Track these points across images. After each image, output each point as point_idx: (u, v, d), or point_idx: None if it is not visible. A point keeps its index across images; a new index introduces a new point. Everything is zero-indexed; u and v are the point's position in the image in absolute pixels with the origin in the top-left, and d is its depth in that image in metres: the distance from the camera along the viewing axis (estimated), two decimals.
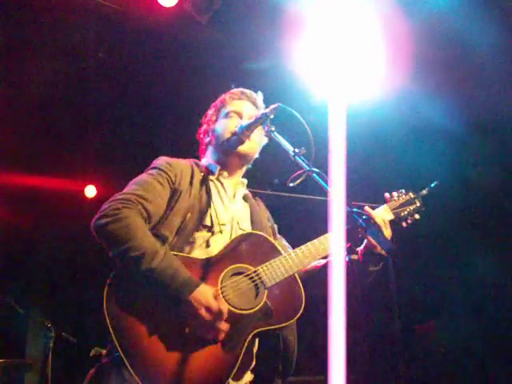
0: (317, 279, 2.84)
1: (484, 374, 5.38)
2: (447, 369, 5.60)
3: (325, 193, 2.34)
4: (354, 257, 2.75)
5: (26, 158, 6.62)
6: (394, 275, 2.05)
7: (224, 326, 2.45)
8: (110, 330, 2.40)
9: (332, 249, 2.73)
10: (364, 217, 2.20)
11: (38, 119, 6.30)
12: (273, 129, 2.70)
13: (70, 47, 5.51)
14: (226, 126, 2.94)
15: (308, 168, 2.47)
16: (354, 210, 2.24)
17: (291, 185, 2.51)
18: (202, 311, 2.41)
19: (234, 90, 3.08)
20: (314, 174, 2.44)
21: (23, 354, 5.91)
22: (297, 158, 2.54)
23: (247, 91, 3.07)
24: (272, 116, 2.72)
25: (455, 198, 5.64)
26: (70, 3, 5.10)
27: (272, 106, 2.73)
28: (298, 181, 2.50)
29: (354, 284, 2.13)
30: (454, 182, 5.45)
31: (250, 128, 2.83)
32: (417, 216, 2.99)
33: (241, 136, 2.86)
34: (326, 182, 2.38)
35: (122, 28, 5.41)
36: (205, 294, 2.44)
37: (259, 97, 3.08)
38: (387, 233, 2.75)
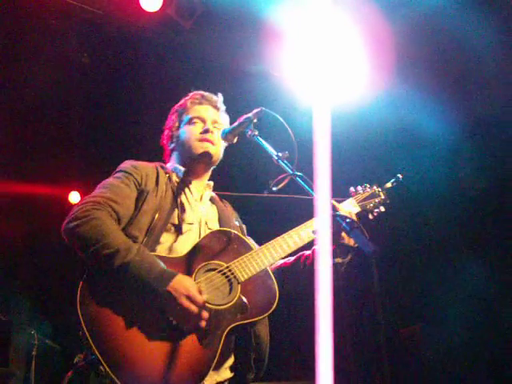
0: (294, 277, 2.90)
1: (471, 380, 5.40)
2: (433, 373, 5.61)
3: (301, 192, 2.34)
4: (338, 260, 2.76)
5: (9, 165, 6.56)
6: (378, 278, 2.05)
7: (205, 313, 2.46)
8: (85, 331, 2.38)
9: (309, 239, 2.80)
10: (347, 220, 2.20)
11: (22, 125, 6.25)
12: (256, 133, 2.69)
13: (53, 52, 5.49)
14: (190, 133, 2.97)
15: (291, 172, 2.47)
16: (337, 213, 2.24)
17: (274, 189, 2.51)
18: (183, 299, 2.43)
19: (195, 94, 3.10)
20: (298, 178, 2.44)
21: (6, 362, 5.85)
22: (280, 161, 2.53)
23: (207, 94, 3.10)
24: (255, 120, 2.72)
25: (445, 203, 5.66)
26: (53, 9, 5.08)
27: (255, 110, 2.73)
28: (281, 185, 2.50)
29: (339, 287, 2.11)
30: (443, 185, 5.48)
31: (232, 132, 2.82)
32: (382, 208, 3.07)
33: (209, 140, 2.92)
34: (310, 186, 2.38)
35: (105, 33, 5.40)
36: (183, 282, 2.46)
37: (220, 99, 3.11)
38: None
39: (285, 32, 5.03)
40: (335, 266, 2.74)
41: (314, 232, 2.80)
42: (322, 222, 2.07)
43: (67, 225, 2.52)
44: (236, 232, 2.80)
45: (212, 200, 3.02)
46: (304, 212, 2.66)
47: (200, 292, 2.49)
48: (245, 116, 2.77)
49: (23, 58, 5.51)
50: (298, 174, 2.45)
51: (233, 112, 3.15)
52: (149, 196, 2.72)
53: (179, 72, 5.63)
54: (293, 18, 4.90)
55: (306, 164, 2.46)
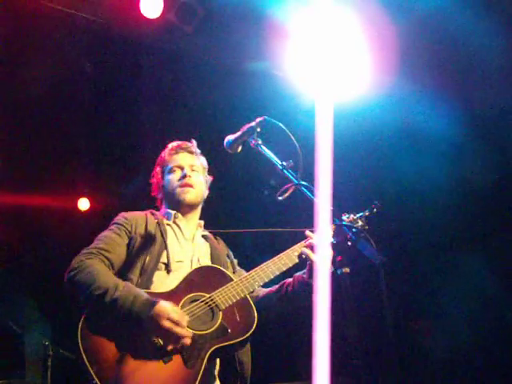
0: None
1: (476, 375, 5.39)
2: (441, 368, 5.62)
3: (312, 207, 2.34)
4: (346, 270, 2.76)
5: (16, 173, 6.58)
6: (386, 288, 2.05)
7: (186, 332, 2.71)
8: (85, 361, 2.66)
9: (285, 267, 3.03)
10: (353, 229, 2.19)
11: (27, 133, 6.26)
12: (259, 142, 2.71)
13: (57, 61, 5.49)
14: (171, 181, 3.26)
15: (296, 182, 2.47)
16: (344, 223, 2.24)
17: (280, 198, 2.52)
18: (164, 321, 2.68)
19: (171, 146, 3.38)
20: (303, 188, 2.44)
21: (23, 372, 5.88)
22: (284, 171, 2.54)
23: (181, 143, 3.39)
24: (259, 129, 2.74)
25: (448, 200, 5.64)
26: (56, 18, 5.08)
27: (258, 119, 2.74)
28: (286, 194, 2.51)
29: (346, 297, 2.12)
30: (447, 184, 5.46)
31: (236, 141, 2.84)
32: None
33: (193, 182, 3.20)
34: (315, 196, 2.38)
35: (107, 41, 5.41)
36: (164, 307, 2.72)
37: (194, 144, 3.39)
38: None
39: (288, 30, 5.02)
40: (342, 275, 2.76)
41: (298, 256, 3.00)
42: (323, 228, 2.08)
43: (67, 275, 2.86)
44: (218, 266, 3.07)
45: (205, 238, 3.28)
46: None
47: (180, 314, 2.75)
48: (248, 125, 2.78)
49: (27, 68, 5.51)
50: (303, 183, 2.45)
51: (236, 113, 3.19)
52: (139, 241, 3.02)
53: (183, 77, 5.63)
54: (296, 17, 4.88)
55: (308, 166, 2.47)
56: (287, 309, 3.16)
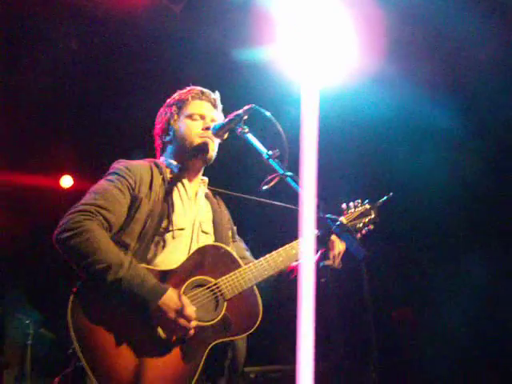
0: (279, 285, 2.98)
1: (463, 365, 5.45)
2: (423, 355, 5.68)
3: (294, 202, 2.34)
4: (329, 262, 2.79)
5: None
6: (368, 282, 2.07)
7: (192, 326, 2.52)
8: (75, 341, 2.43)
9: (297, 258, 2.84)
10: (337, 222, 2.20)
11: (11, 110, 6.18)
12: (246, 130, 2.66)
13: (42, 39, 5.42)
14: (190, 129, 2.95)
15: (281, 171, 2.45)
16: (328, 215, 2.23)
17: (264, 188, 2.50)
18: (172, 314, 2.49)
19: (194, 89, 3.06)
20: (288, 178, 2.42)
21: (2, 351, 5.87)
22: (270, 160, 2.51)
23: (206, 91, 3.07)
24: (246, 117, 2.70)
25: (441, 194, 5.66)
26: None
27: (245, 107, 2.70)
28: (271, 184, 2.48)
29: (329, 290, 2.13)
30: (436, 176, 5.47)
31: (223, 128, 2.81)
32: (371, 227, 3.09)
33: (212, 138, 2.89)
34: (300, 186, 2.37)
35: (95, 19, 5.32)
36: (174, 298, 2.52)
37: (217, 96, 3.09)
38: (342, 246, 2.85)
39: (275, 16, 4.97)
40: (325, 268, 2.77)
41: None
42: (307, 222, 2.08)
43: (59, 235, 2.54)
44: (226, 248, 2.82)
45: (206, 197, 3.02)
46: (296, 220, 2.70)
47: (190, 307, 2.55)
48: (235, 113, 2.74)
49: (13, 44, 5.43)
50: (289, 173, 2.42)
51: (223, 99, 3.14)
52: (142, 203, 2.71)
53: (169, 58, 5.58)
54: (282, 3, 4.84)
55: (296, 156, 2.46)
56: (284, 295, 3.01)
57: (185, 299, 2.55)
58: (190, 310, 2.53)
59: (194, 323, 2.53)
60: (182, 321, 2.50)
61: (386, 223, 3.17)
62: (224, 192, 3.15)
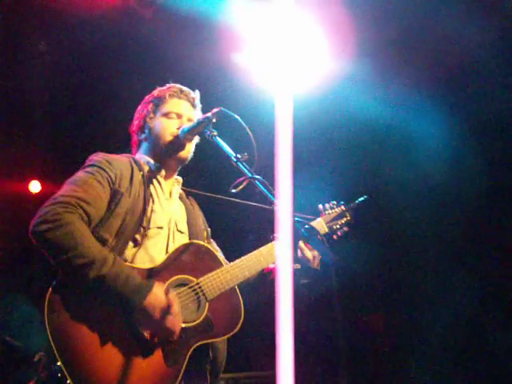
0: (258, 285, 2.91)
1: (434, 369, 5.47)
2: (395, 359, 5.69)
3: (267, 201, 2.32)
4: (297, 266, 2.78)
5: None
6: (337, 286, 2.05)
7: (177, 326, 2.45)
8: (51, 341, 2.32)
9: (277, 257, 2.76)
10: (306, 226, 2.18)
11: None
12: (215, 133, 2.66)
13: (10, 39, 5.33)
14: (165, 127, 2.88)
15: (250, 175, 2.43)
16: (296, 219, 2.22)
17: (233, 191, 2.47)
18: (158, 314, 2.41)
19: (173, 87, 2.99)
20: (257, 182, 2.41)
21: None
22: (239, 164, 2.49)
23: (185, 89, 3.01)
24: (214, 120, 2.68)
25: (411, 194, 5.68)
26: None
27: (214, 110, 2.69)
28: (240, 187, 2.46)
29: (298, 293, 2.11)
30: (415, 177, 5.49)
31: (192, 132, 2.80)
32: (345, 229, 3.08)
33: (182, 140, 2.84)
34: (269, 190, 2.35)
35: (64, 20, 5.25)
36: (159, 296, 2.44)
37: (197, 96, 3.03)
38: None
39: (245, 22, 4.96)
40: (294, 272, 2.75)
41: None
42: (283, 227, 2.05)
43: (36, 227, 2.41)
44: (208, 246, 2.79)
45: (180, 197, 2.97)
46: (270, 221, 2.67)
47: (177, 304, 2.48)
48: (204, 116, 2.74)
49: None
50: (257, 177, 2.41)
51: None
52: (122, 198, 2.63)
53: (138, 62, 5.52)
54: (251, 8, 4.83)
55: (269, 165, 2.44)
56: (262, 297, 2.95)
57: (171, 297, 2.48)
58: (179, 308, 2.47)
59: (180, 325, 2.46)
60: (168, 322, 2.43)
61: (363, 225, 3.17)
62: (198, 192, 3.11)
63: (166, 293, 2.48)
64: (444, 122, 5.41)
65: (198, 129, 2.75)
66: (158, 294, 2.44)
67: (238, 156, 2.52)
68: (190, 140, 2.86)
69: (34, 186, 7.18)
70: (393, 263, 6.01)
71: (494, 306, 5.28)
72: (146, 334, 2.43)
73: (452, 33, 4.87)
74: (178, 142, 2.84)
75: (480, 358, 5.27)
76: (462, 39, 4.94)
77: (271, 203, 2.31)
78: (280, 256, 2.33)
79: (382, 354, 5.75)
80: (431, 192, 5.63)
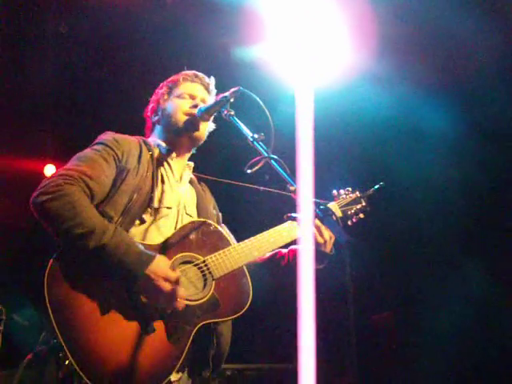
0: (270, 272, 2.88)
1: (444, 370, 5.41)
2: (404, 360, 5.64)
3: (282, 187, 2.29)
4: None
5: None
6: (350, 268, 2.01)
7: (179, 292, 2.40)
8: (51, 315, 2.27)
9: (288, 240, 2.76)
10: (321, 206, 2.14)
11: None
12: (232, 113, 2.63)
13: (31, 24, 5.35)
14: (178, 107, 2.88)
15: (266, 155, 2.40)
16: (312, 199, 2.18)
17: (248, 171, 2.44)
18: (161, 282, 2.36)
19: (188, 72, 3.01)
20: (273, 161, 2.37)
21: None
22: (255, 143, 2.46)
23: (200, 74, 3.01)
24: (232, 99, 2.66)
25: (427, 192, 5.64)
26: None
27: (232, 90, 2.66)
28: (256, 167, 2.43)
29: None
30: (429, 176, 5.45)
31: (209, 111, 2.78)
32: (361, 215, 3.07)
33: (198, 119, 2.82)
34: (285, 170, 2.33)
35: (85, 4, 5.26)
36: (162, 265, 2.39)
37: (212, 82, 3.02)
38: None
39: (268, 14, 4.93)
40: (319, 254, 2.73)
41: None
42: (304, 208, 2.02)
43: (36, 198, 2.39)
44: (215, 224, 2.74)
45: (191, 182, 2.93)
46: (283, 206, 2.65)
47: (178, 276, 2.43)
48: (221, 95, 2.72)
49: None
50: (274, 156, 2.38)
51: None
52: (129, 175, 2.60)
53: (158, 47, 5.52)
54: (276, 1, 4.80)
55: (288, 152, 2.41)
56: (275, 281, 2.94)
57: (176, 272, 2.44)
58: (179, 281, 2.40)
59: (181, 293, 2.40)
60: (171, 290, 2.37)
61: (374, 223, 3.14)
62: (210, 178, 3.08)
63: (173, 265, 2.45)
64: (459, 121, 5.38)
65: (215, 108, 2.74)
66: (160, 264, 2.40)
67: (255, 136, 2.49)
68: (206, 120, 2.85)
69: (50, 170, 7.19)
70: (403, 260, 5.96)
71: (508, 303, 5.21)
72: (149, 301, 2.38)
73: (466, 39, 4.89)
74: (193, 121, 2.83)
75: (493, 356, 5.20)
76: (476, 46, 4.96)
77: (286, 183, 2.28)
78: (301, 236, 2.29)
79: (391, 352, 5.70)
80: (445, 187, 5.58)
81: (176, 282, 2.39)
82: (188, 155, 2.96)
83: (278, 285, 3.01)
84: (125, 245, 2.36)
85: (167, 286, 2.37)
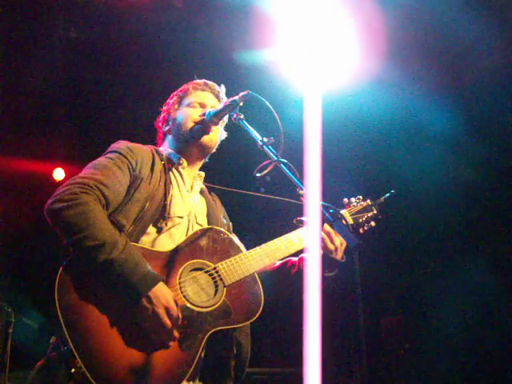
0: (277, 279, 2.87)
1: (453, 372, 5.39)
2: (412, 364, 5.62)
3: (291, 194, 2.30)
4: (325, 273, 2.75)
5: None
6: (359, 271, 2.01)
7: (177, 333, 2.37)
8: (61, 321, 2.26)
9: (299, 248, 2.75)
10: (331, 210, 2.14)
11: (6, 101, 6.12)
12: (241, 117, 2.63)
13: (41, 27, 5.37)
14: (188, 115, 2.88)
15: (276, 158, 2.40)
16: (321, 203, 2.18)
17: (258, 175, 2.44)
18: (161, 310, 2.33)
19: (198, 81, 3.01)
20: (282, 165, 2.38)
21: None
22: (265, 147, 2.46)
23: (210, 83, 3.01)
24: (241, 103, 2.66)
25: (436, 196, 5.63)
26: None
27: (241, 93, 2.66)
28: (265, 171, 2.43)
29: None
30: (436, 179, 5.44)
31: (218, 115, 2.78)
32: (373, 223, 3.05)
33: (207, 124, 2.81)
34: (294, 174, 2.33)
35: (93, 7, 5.27)
36: (165, 293, 2.36)
37: (222, 89, 3.02)
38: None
39: (277, 18, 4.94)
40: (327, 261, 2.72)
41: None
42: (312, 213, 2.03)
43: (51, 205, 2.38)
44: (226, 232, 2.73)
45: (201, 192, 2.93)
46: (293, 214, 2.66)
47: (182, 299, 2.42)
48: (231, 99, 2.71)
49: (12, 31, 5.38)
50: (283, 160, 2.38)
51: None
52: (142, 184, 2.59)
53: (168, 51, 5.53)
54: (284, 5, 4.81)
55: (296, 157, 2.41)
56: (285, 290, 2.94)
57: (179, 299, 2.42)
58: (180, 313, 2.38)
59: (176, 333, 2.37)
60: (167, 322, 2.34)
61: (383, 228, 3.13)
62: (219, 188, 3.08)
63: (175, 291, 2.43)
64: (467, 125, 5.39)
65: (224, 112, 2.74)
66: (164, 289, 2.37)
67: (265, 139, 2.49)
68: (216, 124, 2.83)
69: (58, 174, 7.22)
70: (411, 264, 5.95)
71: None
72: (144, 327, 2.35)
73: (475, 44, 4.90)
74: (202, 126, 2.82)
75: (503, 358, 5.18)
76: (486, 51, 4.98)
77: (295, 187, 2.28)
78: (309, 241, 2.29)
79: (400, 356, 5.68)
80: (454, 191, 5.57)
81: (175, 317, 2.36)
82: (199, 164, 2.96)
83: (288, 290, 2.99)
84: (133, 262, 2.34)
85: (165, 318, 2.34)
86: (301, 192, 2.27)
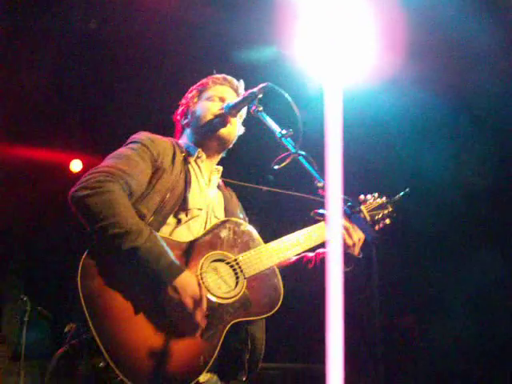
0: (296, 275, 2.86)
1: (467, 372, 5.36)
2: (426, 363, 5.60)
3: (306, 190, 2.28)
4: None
5: (10, 130, 6.49)
6: (377, 266, 1.99)
7: (204, 320, 2.37)
8: (84, 307, 2.24)
9: (318, 242, 2.73)
10: (348, 203, 2.13)
11: (24, 92, 6.15)
12: (260, 109, 2.61)
13: (60, 17, 5.38)
14: (207, 108, 2.86)
15: (294, 151, 2.38)
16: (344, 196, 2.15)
17: (276, 167, 2.42)
18: (189, 300, 2.32)
19: (217, 75, 2.99)
20: (300, 158, 2.36)
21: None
22: (283, 139, 2.45)
23: (229, 78, 2.99)
24: (260, 95, 2.63)
25: (451, 194, 5.60)
26: None
27: (260, 85, 2.64)
28: (284, 163, 2.41)
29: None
30: (447, 175, 5.42)
31: (236, 107, 2.76)
32: (388, 221, 3.01)
33: (226, 116, 2.80)
34: (313, 167, 2.32)
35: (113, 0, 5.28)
36: (190, 281, 2.35)
37: (241, 84, 3.00)
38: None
39: (296, 14, 4.92)
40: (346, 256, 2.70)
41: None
42: (332, 207, 2.00)
43: (76, 193, 2.36)
44: (246, 224, 2.72)
45: (218, 186, 2.93)
46: (308, 208, 2.65)
47: (205, 289, 2.41)
48: (250, 91, 2.69)
49: (27, 23, 5.40)
50: (302, 153, 2.36)
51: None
52: (164, 174, 2.60)
53: (188, 45, 5.52)
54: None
55: (314, 150, 2.39)
56: (300, 285, 2.90)
57: (204, 289, 2.40)
58: (205, 299, 2.37)
59: (204, 321, 2.36)
60: (195, 311, 2.33)
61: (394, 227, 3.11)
62: (237, 183, 3.07)
63: (200, 283, 2.41)
64: (485, 124, 5.38)
65: (243, 104, 2.72)
66: (190, 278, 2.36)
67: (283, 132, 2.48)
68: (234, 116, 2.81)
69: (76, 165, 7.27)
70: (426, 264, 5.92)
71: None
72: (170, 316, 2.34)
73: (492, 46, 4.89)
74: (221, 118, 2.81)
75: None
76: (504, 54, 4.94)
77: (314, 180, 2.26)
78: (329, 235, 2.27)
79: (414, 354, 5.66)
80: (474, 191, 5.53)
81: (201, 303, 2.35)
82: (217, 158, 2.94)
83: (303, 286, 2.97)
84: (157, 252, 2.33)
85: (191, 305, 2.33)
86: (319, 184, 2.25)
